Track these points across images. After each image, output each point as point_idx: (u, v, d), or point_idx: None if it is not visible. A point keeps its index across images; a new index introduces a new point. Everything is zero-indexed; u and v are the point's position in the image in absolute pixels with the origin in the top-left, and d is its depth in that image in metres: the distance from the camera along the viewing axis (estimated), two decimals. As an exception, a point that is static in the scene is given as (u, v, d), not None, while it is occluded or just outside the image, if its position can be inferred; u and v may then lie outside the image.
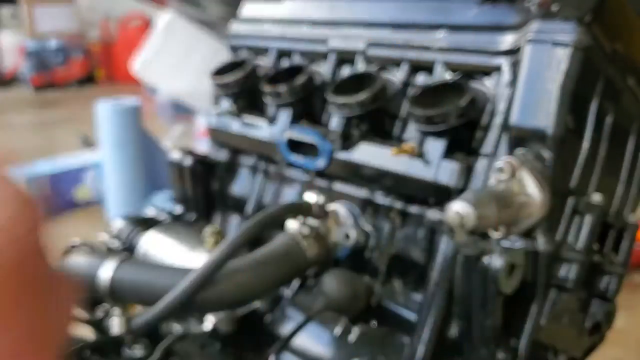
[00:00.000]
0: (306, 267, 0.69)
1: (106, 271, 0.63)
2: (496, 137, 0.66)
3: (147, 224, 0.92)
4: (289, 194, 0.89)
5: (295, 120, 0.86)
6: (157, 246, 0.83)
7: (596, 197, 0.64)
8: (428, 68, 0.74)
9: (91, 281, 0.63)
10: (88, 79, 6.68)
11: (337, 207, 0.77)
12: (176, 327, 0.83)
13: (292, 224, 0.70)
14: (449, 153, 0.69)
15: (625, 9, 0.67)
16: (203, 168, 0.97)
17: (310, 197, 0.71)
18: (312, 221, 0.71)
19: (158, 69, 4.06)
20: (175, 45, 4.03)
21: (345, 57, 0.83)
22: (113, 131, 2.54)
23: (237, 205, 0.96)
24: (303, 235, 0.68)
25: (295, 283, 0.83)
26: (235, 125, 0.94)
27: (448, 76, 0.71)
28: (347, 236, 0.73)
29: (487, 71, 0.68)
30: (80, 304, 0.56)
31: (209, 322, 0.76)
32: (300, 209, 0.69)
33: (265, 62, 0.93)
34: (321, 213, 0.71)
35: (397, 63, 0.76)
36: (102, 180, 2.76)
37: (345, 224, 0.75)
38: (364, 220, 0.78)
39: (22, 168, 2.81)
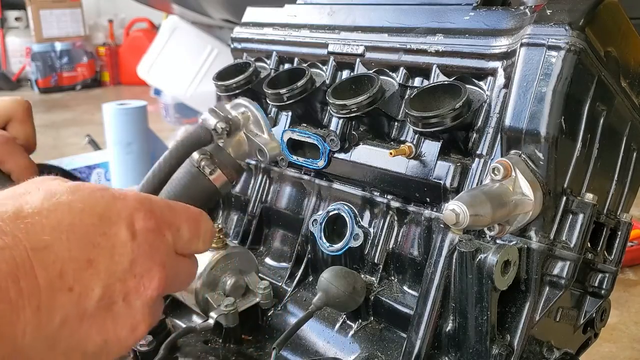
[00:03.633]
0: (214, 192, 0.63)
1: None
2: (491, 139, 0.68)
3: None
4: (289, 193, 0.91)
5: (296, 121, 0.88)
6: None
7: (589, 197, 0.65)
8: (425, 71, 0.75)
9: None
10: (94, 82, 6.72)
11: (248, 107, 0.66)
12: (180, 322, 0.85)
13: (194, 155, 0.63)
14: (444, 154, 0.71)
15: (619, 13, 0.69)
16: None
17: (210, 120, 0.61)
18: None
19: (162, 71, 4.09)
20: (180, 48, 4.06)
21: (344, 61, 0.84)
22: (119, 132, 2.56)
23: (240, 204, 0.98)
24: (204, 164, 0.62)
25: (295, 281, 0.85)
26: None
27: (444, 79, 0.73)
28: (260, 152, 0.65)
29: (482, 74, 0.70)
30: None
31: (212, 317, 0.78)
32: (200, 141, 0.63)
33: (266, 65, 0.95)
34: (224, 133, 0.62)
35: (394, 66, 0.78)
36: (108, 180, 2.79)
37: (258, 135, 0.65)
38: (362, 219, 0.80)
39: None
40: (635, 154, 0.77)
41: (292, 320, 0.70)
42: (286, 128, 0.87)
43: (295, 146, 0.87)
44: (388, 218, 0.78)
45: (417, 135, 0.73)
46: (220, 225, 0.82)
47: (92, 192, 0.45)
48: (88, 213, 0.44)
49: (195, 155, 0.57)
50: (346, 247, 0.78)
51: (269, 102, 0.86)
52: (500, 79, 0.68)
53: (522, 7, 0.70)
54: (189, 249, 0.51)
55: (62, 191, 0.45)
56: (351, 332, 0.76)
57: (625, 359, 1.62)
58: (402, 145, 0.72)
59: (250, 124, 0.61)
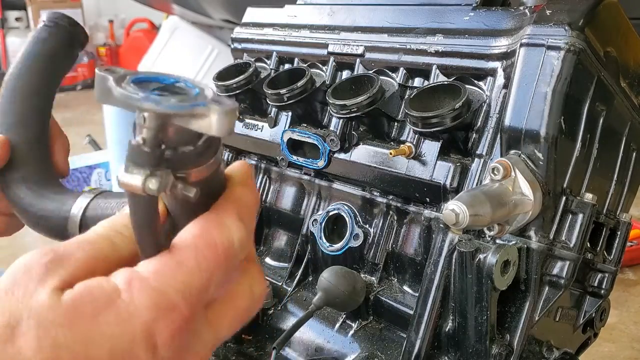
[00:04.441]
0: (216, 178, 0.42)
1: (77, 207, 0.58)
2: (491, 139, 0.68)
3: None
4: (289, 193, 0.92)
5: (296, 121, 0.88)
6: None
7: (589, 197, 0.65)
8: (424, 71, 0.75)
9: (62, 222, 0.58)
10: (94, 82, 6.73)
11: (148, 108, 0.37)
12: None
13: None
14: (444, 154, 0.71)
15: (619, 13, 0.69)
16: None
17: (134, 185, 0.37)
18: None
19: (163, 71, 4.10)
20: (180, 49, 4.07)
21: (344, 61, 0.85)
22: (119, 132, 2.57)
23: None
24: (180, 189, 0.40)
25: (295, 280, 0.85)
26: (237, 127, 0.96)
27: (444, 79, 0.73)
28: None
29: (481, 74, 0.70)
30: None
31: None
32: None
33: (266, 66, 0.95)
34: (158, 180, 0.38)
35: (394, 67, 0.78)
36: (109, 180, 2.79)
37: (193, 121, 0.37)
38: (362, 219, 0.80)
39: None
40: (634, 154, 0.77)
41: (292, 320, 0.70)
42: (286, 128, 0.87)
43: (295, 146, 0.87)
44: (388, 218, 0.78)
45: (416, 135, 0.73)
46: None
47: (94, 319, 0.35)
48: (97, 354, 0.35)
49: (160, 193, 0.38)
50: (346, 247, 0.78)
51: (269, 102, 0.86)
52: (500, 79, 0.68)
53: (521, 8, 0.70)
54: (230, 281, 0.41)
55: (58, 322, 0.35)
56: (351, 332, 0.76)
57: (625, 358, 1.62)
58: (402, 145, 0.72)
59: (171, 119, 0.38)
